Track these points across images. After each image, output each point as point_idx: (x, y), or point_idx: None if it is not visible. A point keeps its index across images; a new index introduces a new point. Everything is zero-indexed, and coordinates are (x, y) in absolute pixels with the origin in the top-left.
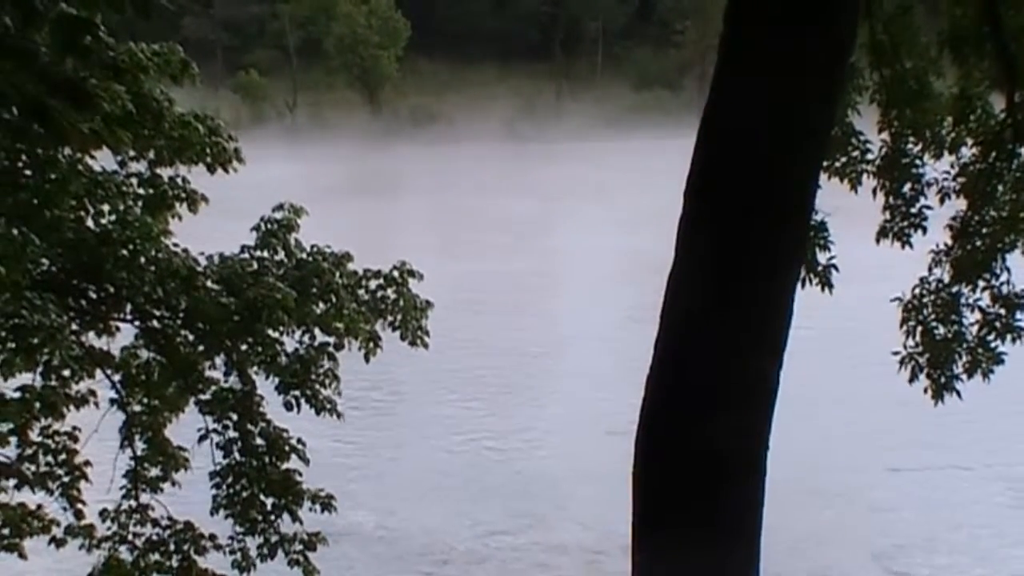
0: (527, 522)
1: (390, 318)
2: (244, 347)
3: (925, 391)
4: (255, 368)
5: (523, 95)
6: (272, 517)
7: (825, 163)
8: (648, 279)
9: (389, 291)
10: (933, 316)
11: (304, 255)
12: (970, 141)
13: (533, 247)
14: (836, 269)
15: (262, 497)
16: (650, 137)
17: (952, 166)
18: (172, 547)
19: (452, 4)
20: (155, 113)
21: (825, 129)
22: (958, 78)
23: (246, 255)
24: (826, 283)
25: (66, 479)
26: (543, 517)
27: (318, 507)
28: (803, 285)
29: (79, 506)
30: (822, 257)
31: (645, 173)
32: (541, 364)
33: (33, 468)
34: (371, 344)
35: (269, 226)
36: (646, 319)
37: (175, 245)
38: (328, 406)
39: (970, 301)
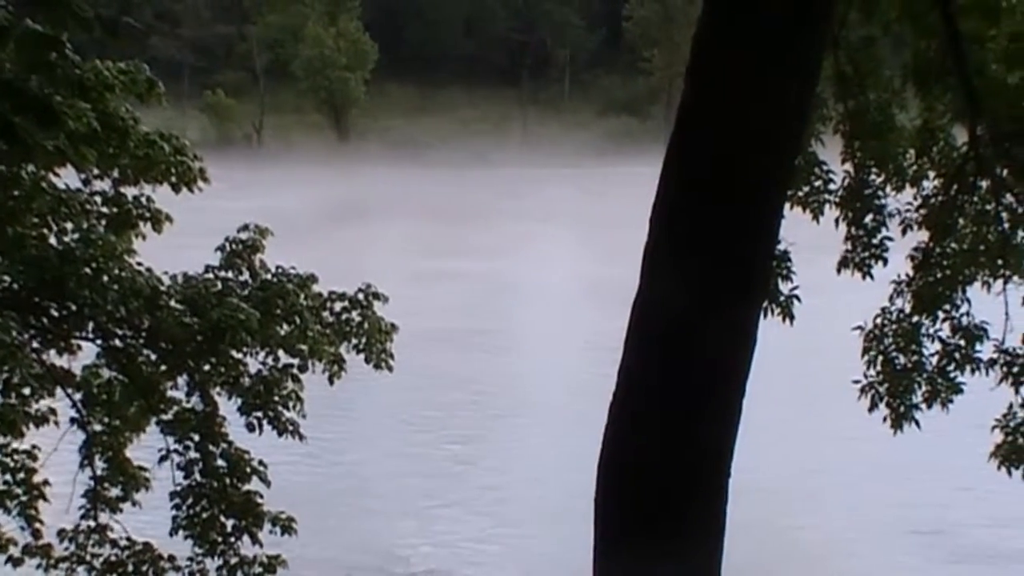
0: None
1: (355, 341)
2: (207, 367)
3: (884, 420)
4: (218, 389)
5: (491, 120)
6: (232, 539)
7: (788, 192)
8: (608, 307)
9: (354, 314)
10: (894, 346)
11: (269, 276)
12: (932, 173)
13: (489, 272)
14: (798, 299)
15: (222, 518)
16: (617, 164)
17: (914, 198)
18: (131, 568)
19: (421, 28)
20: (120, 131)
21: (791, 159)
22: (921, 111)
23: (210, 275)
24: (788, 314)
25: (24, 498)
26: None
27: (278, 529)
28: (765, 316)
29: (37, 526)
30: (784, 287)
31: (612, 200)
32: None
33: None
34: (335, 366)
35: (234, 246)
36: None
37: (139, 264)
38: (290, 428)
39: (930, 332)
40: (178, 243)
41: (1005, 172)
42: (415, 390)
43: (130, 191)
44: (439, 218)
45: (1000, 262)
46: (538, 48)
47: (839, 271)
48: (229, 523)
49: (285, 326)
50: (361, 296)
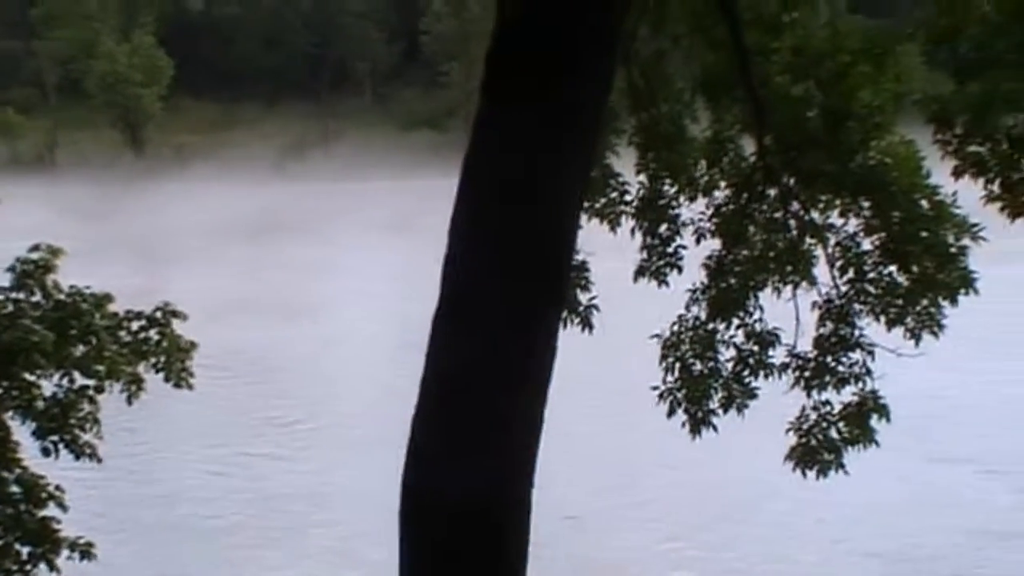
0: None
1: (153, 360)
2: None
3: (683, 425)
4: (10, 413)
5: (292, 134)
6: (28, 567)
7: (586, 204)
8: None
9: (152, 332)
10: (691, 352)
11: (63, 296)
12: (723, 183)
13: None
14: (597, 309)
15: (17, 546)
16: (418, 177)
17: (707, 207)
18: None
19: (219, 43)
20: None
21: (585, 171)
22: (711, 122)
23: (0, 296)
24: (587, 323)
25: None
26: None
27: (77, 555)
28: (565, 326)
29: None
30: (583, 297)
31: (409, 212)
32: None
33: None
34: (133, 387)
35: (25, 267)
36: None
37: None
38: (88, 451)
39: (725, 338)
40: None
41: (792, 180)
42: None
43: None
44: (240, 234)
45: (789, 268)
46: (337, 62)
47: (635, 280)
48: (25, 550)
49: (81, 347)
50: (159, 314)
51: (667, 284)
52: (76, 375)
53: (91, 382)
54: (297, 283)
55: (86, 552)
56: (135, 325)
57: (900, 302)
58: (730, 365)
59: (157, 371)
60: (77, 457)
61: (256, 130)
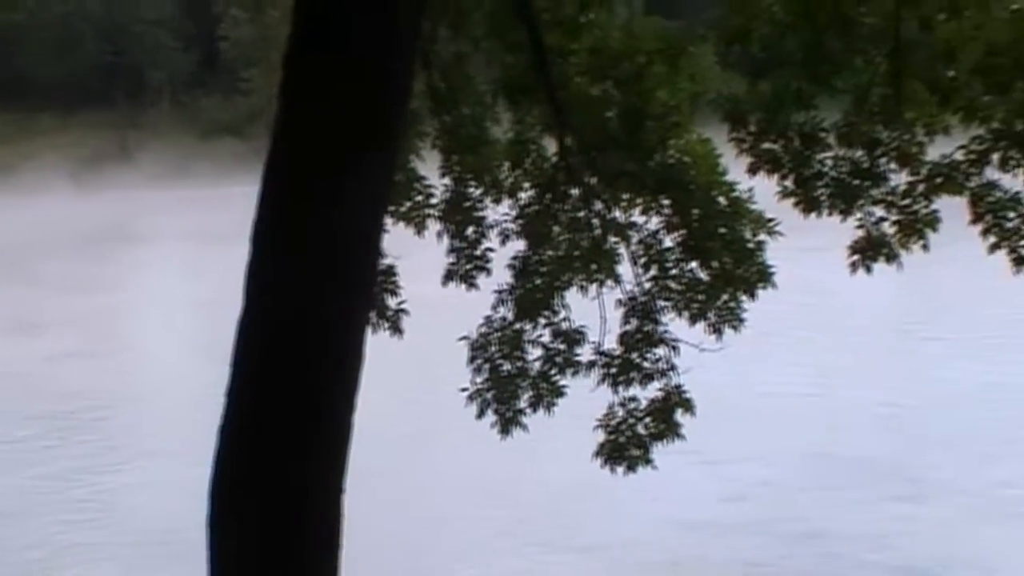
0: None
1: None
2: None
3: (492, 426)
4: None
5: (88, 145)
6: None
7: (391, 208)
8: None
9: None
10: (499, 353)
11: None
12: (527, 184)
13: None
14: (407, 313)
15: None
16: (220, 185)
17: (511, 208)
18: None
19: (7, 51)
20: None
21: (388, 175)
22: (513, 124)
23: None
24: (396, 329)
25: None
26: None
27: None
28: (374, 331)
29: None
30: (392, 302)
31: (212, 221)
32: None
33: None
34: None
35: None
36: None
37: None
38: None
39: (533, 337)
40: None
41: (594, 180)
42: None
43: None
44: (36, 250)
45: (594, 267)
46: (132, 71)
47: (444, 284)
48: None
49: None
50: None
51: (476, 287)
52: None
53: None
54: (82, 297)
55: None
56: None
57: (702, 297)
58: (538, 364)
59: None
60: None
61: (51, 141)
